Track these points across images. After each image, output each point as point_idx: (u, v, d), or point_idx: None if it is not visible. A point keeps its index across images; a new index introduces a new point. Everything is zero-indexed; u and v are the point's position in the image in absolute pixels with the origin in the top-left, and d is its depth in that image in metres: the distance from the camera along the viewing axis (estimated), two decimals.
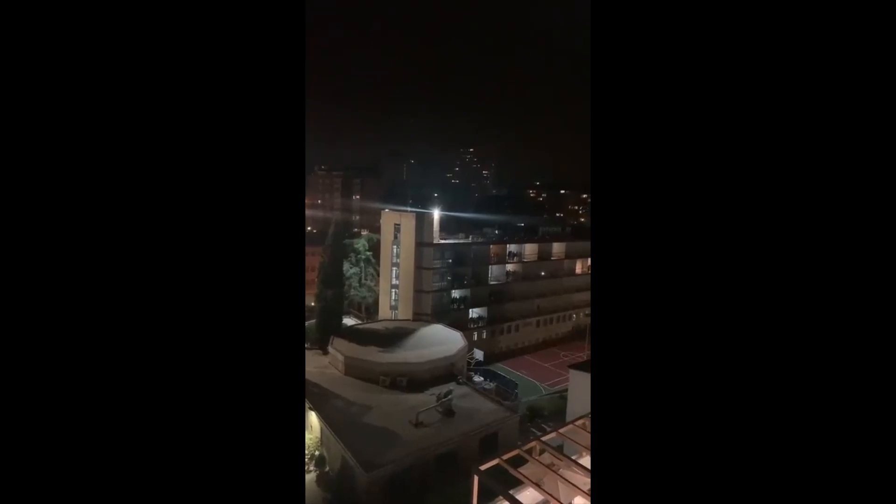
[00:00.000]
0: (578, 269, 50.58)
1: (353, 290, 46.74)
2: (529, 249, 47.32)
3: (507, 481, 11.49)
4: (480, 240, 45.00)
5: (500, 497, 11.04)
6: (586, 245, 50.18)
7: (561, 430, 13.56)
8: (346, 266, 42.49)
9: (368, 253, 47.73)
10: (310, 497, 19.61)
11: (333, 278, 35.71)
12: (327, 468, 21.54)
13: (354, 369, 27.44)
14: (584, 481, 10.87)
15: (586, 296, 48.92)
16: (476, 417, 23.36)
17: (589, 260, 50.55)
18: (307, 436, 22.91)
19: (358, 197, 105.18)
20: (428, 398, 24.38)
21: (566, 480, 10.99)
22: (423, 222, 39.29)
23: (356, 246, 47.77)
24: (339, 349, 28.71)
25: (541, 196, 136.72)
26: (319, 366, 28.55)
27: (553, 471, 11.45)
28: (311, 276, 35.41)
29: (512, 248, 46.35)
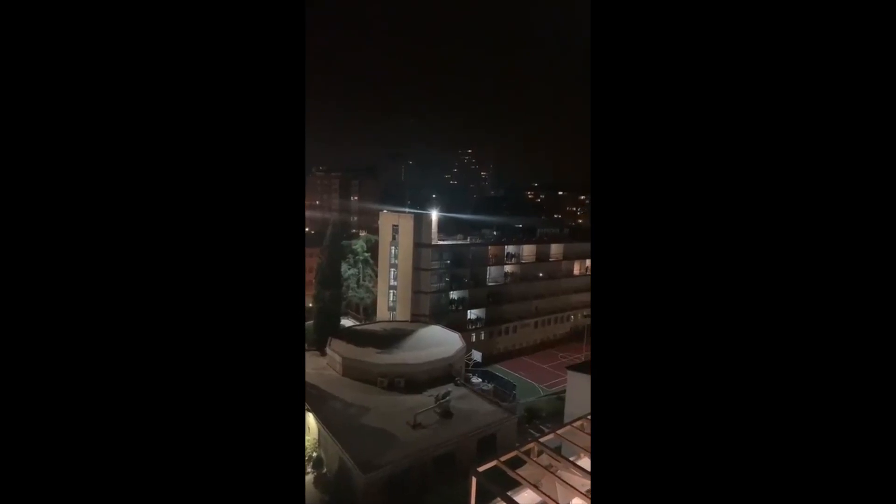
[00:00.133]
0: (576, 271, 50.62)
1: (350, 291, 46.69)
2: (527, 251, 47.33)
3: (505, 482, 11.48)
4: (479, 241, 44.99)
5: (499, 498, 11.02)
6: (584, 246, 50.28)
7: (559, 432, 13.54)
8: (343, 267, 42.47)
9: (366, 254, 47.69)
10: (308, 499, 19.56)
11: (331, 279, 35.68)
12: (325, 470, 21.49)
13: (352, 370, 27.39)
14: (582, 482, 10.86)
15: (584, 297, 48.99)
16: (474, 419, 23.34)
17: (587, 261, 50.64)
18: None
19: (356, 198, 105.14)
20: (426, 399, 24.35)
21: (564, 482, 10.98)
22: (421, 223, 39.28)
23: (354, 247, 47.74)
24: (337, 350, 28.66)
25: (539, 197, 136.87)
26: (317, 367, 28.49)
27: (551, 472, 11.44)
28: (309, 277, 35.39)
29: (510, 249, 46.36)
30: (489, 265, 44.09)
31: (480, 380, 29.98)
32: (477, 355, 34.77)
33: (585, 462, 12.15)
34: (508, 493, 11.04)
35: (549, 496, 10.66)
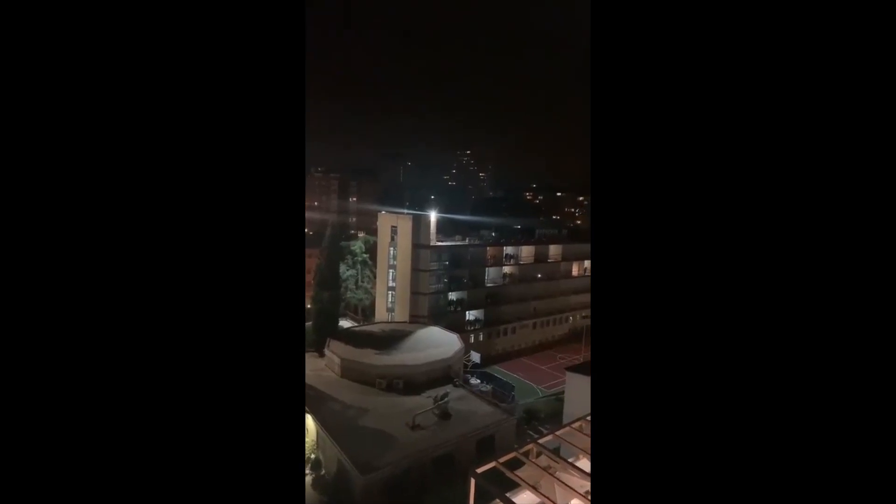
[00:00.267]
0: (575, 272, 50.68)
1: (349, 292, 46.65)
2: (526, 252, 47.38)
3: (503, 484, 11.47)
4: (477, 242, 45.02)
5: (497, 500, 11.01)
6: (583, 247, 50.37)
7: (558, 433, 13.55)
8: (342, 268, 42.43)
9: (365, 255, 47.66)
10: (307, 500, 19.51)
11: (330, 280, 35.64)
12: (323, 471, 21.45)
13: (351, 372, 27.35)
14: (581, 484, 10.86)
15: (583, 298, 49.06)
16: (473, 420, 23.32)
17: (585, 262, 50.71)
18: None
19: (354, 199, 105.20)
20: (424, 401, 24.32)
21: (563, 483, 10.97)
22: (419, 224, 39.30)
23: (353, 248, 47.71)
24: (336, 351, 28.62)
25: (537, 198, 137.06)
26: (315, 368, 28.44)
27: (550, 473, 11.44)
28: (308, 278, 35.35)
29: (509, 250, 46.39)
30: (488, 266, 44.12)
31: (479, 381, 29.97)
32: (475, 356, 34.74)
33: (584, 463, 12.14)
34: (507, 495, 11.03)
35: (547, 497, 10.65)
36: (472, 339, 39.93)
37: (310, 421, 22.92)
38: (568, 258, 49.80)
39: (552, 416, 28.40)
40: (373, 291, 45.42)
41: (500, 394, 28.26)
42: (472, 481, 11.49)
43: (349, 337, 32.32)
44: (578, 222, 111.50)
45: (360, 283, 47.86)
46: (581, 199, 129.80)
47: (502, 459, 12.04)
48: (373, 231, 47.33)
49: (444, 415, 23.18)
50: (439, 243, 40.70)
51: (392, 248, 40.70)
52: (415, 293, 39.16)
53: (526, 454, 12.20)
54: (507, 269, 45.84)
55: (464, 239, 44.54)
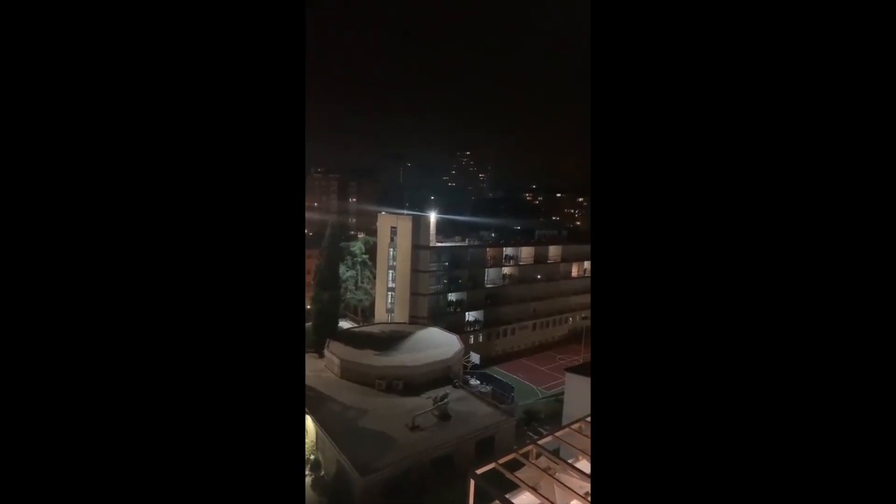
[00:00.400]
0: (574, 273, 50.69)
1: (349, 293, 46.63)
2: (526, 252, 47.39)
3: (503, 485, 11.45)
4: (477, 243, 45.02)
5: (497, 501, 10.99)
6: (582, 248, 50.40)
7: (557, 434, 13.53)
8: (342, 269, 42.40)
9: (365, 256, 47.66)
10: (306, 501, 19.48)
11: (329, 281, 35.63)
12: (323, 472, 21.42)
13: (350, 373, 27.33)
14: (581, 485, 10.85)
15: (582, 299, 49.08)
16: (472, 421, 23.29)
17: (585, 263, 50.72)
18: None
19: (354, 199, 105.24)
20: (424, 402, 24.30)
21: (563, 484, 10.96)
22: (419, 225, 39.30)
23: (352, 249, 47.70)
24: (335, 352, 28.59)
25: (537, 199, 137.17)
26: (315, 369, 28.41)
27: (549, 475, 11.42)
28: (308, 278, 35.33)
29: (508, 251, 46.40)
30: (487, 267, 44.12)
31: (479, 382, 29.96)
32: (475, 357, 34.73)
33: (584, 464, 12.13)
34: (507, 496, 11.01)
35: (547, 498, 10.64)
36: (471, 340, 39.91)
37: (309, 422, 22.90)
38: (567, 259, 49.81)
39: (552, 417, 28.39)
40: (372, 292, 45.41)
41: (500, 395, 28.24)
42: (472, 482, 11.47)
43: (349, 338, 32.30)
44: (578, 223, 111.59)
45: (359, 283, 47.85)
46: (581, 199, 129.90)
47: (502, 460, 12.03)
48: (372, 232, 47.35)
49: (444, 416, 23.16)
50: (439, 244, 40.69)
51: (392, 249, 40.70)
52: (414, 294, 39.15)
53: (525, 455, 12.19)
54: (506, 270, 45.84)
55: (463, 240, 44.55)
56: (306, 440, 22.64)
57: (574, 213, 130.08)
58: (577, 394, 22.95)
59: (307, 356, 30.13)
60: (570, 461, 12.14)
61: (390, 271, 40.90)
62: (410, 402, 24.57)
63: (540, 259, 47.95)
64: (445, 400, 23.93)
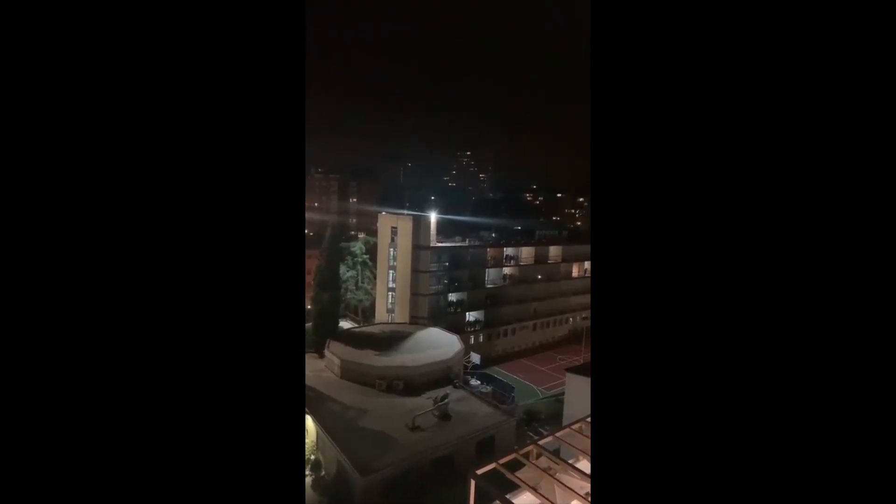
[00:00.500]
0: (575, 273, 50.67)
1: (349, 293, 46.63)
2: (526, 253, 47.38)
3: (503, 485, 11.44)
4: (477, 243, 45.01)
5: (497, 501, 10.99)
6: (583, 248, 50.37)
7: (558, 434, 13.53)
8: (342, 269, 42.41)
9: (365, 256, 47.66)
10: (306, 501, 19.47)
11: (330, 281, 35.63)
12: (323, 472, 21.42)
13: (350, 373, 27.32)
14: (581, 485, 10.84)
15: (583, 299, 49.05)
16: (473, 421, 23.28)
17: (585, 263, 50.70)
18: None
19: (355, 200, 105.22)
20: (424, 402, 24.29)
21: (563, 484, 10.96)
22: (419, 225, 39.29)
23: (353, 249, 47.70)
24: (336, 352, 28.59)
25: (537, 199, 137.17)
26: (315, 369, 28.41)
27: (550, 475, 11.42)
28: (308, 279, 35.33)
29: (509, 251, 46.39)
30: (488, 267, 44.11)
31: (479, 382, 29.93)
32: (475, 357, 34.71)
33: (584, 465, 12.12)
34: (507, 496, 11.01)
35: (547, 499, 10.63)
36: (472, 341, 39.90)
37: (310, 422, 22.90)
38: (568, 259, 49.79)
39: (552, 417, 28.38)
40: (373, 292, 45.41)
41: (500, 395, 28.21)
42: (472, 483, 11.47)
43: (349, 338, 32.30)
44: (578, 223, 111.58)
45: (360, 284, 47.85)
46: (581, 200, 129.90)
47: (502, 461, 12.02)
48: (373, 232, 47.34)
49: (444, 416, 23.16)
50: (439, 244, 40.69)
51: (392, 249, 40.70)
52: (415, 294, 39.15)
53: (526, 455, 12.18)
54: (507, 271, 45.83)
55: (464, 240, 44.54)
56: (307, 440, 22.64)
57: (574, 214, 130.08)
58: (578, 394, 22.94)
59: (307, 356, 30.13)
60: (570, 461, 12.13)
61: (391, 271, 40.90)
62: (411, 402, 24.56)
63: (540, 259, 47.94)
64: (446, 400, 23.92)
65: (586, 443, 12.60)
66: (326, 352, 29.33)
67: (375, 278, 44.63)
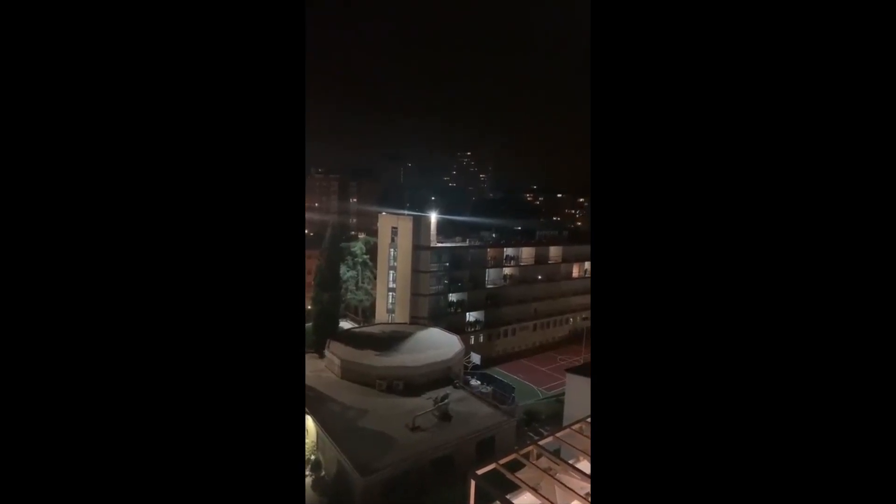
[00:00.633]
0: (575, 273, 50.66)
1: (349, 293, 46.64)
2: (526, 253, 47.38)
3: (504, 486, 11.44)
4: (477, 243, 45.01)
5: (497, 501, 10.99)
6: (583, 248, 50.35)
7: (558, 435, 13.53)
8: (342, 269, 42.41)
9: (365, 256, 47.66)
10: (306, 501, 19.47)
11: (330, 281, 35.64)
12: (323, 472, 21.42)
13: (351, 373, 27.32)
14: (582, 485, 10.83)
15: (583, 299, 49.03)
16: (473, 421, 23.28)
17: (586, 264, 50.68)
18: None
19: (355, 200, 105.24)
20: (425, 402, 24.29)
21: (563, 485, 10.95)
22: (420, 225, 39.29)
23: (353, 249, 47.71)
24: (336, 353, 28.60)
25: (538, 200, 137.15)
26: (315, 369, 28.41)
27: (550, 475, 11.42)
28: (308, 279, 35.34)
29: (509, 251, 46.39)
30: (488, 267, 44.12)
31: (479, 382, 29.91)
32: (476, 358, 34.69)
33: (584, 465, 12.11)
34: (507, 497, 11.01)
35: (547, 499, 10.63)
36: (472, 341, 39.89)
37: (310, 422, 22.90)
38: (568, 259, 49.78)
39: (552, 417, 28.38)
40: (373, 292, 45.41)
41: (501, 395, 28.20)
42: (472, 483, 11.47)
43: (349, 338, 32.30)
44: (579, 223, 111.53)
45: (360, 284, 47.86)
46: (581, 200, 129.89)
47: (502, 461, 12.02)
48: (373, 232, 47.34)
49: (445, 416, 23.15)
50: (439, 244, 40.69)
51: (392, 250, 40.70)
52: (415, 294, 39.14)
53: (526, 456, 12.18)
54: (507, 271, 45.83)
55: (464, 240, 44.54)
56: (307, 440, 22.64)
57: (575, 214, 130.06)
58: (578, 394, 22.93)
59: (308, 356, 30.13)
60: (570, 462, 12.12)
61: (391, 272, 40.90)
62: (411, 402, 24.56)
63: (540, 259, 47.93)
64: (446, 400, 23.92)
65: (586, 443, 12.60)
66: (326, 352, 29.33)
67: (375, 278, 44.63)
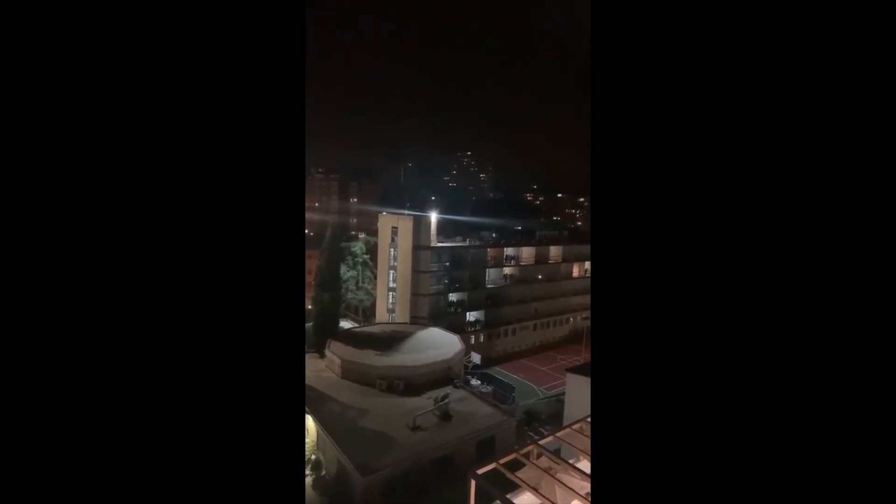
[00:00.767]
0: (575, 273, 50.66)
1: (349, 293, 46.65)
2: (526, 253, 47.37)
3: (504, 485, 11.44)
4: (478, 243, 45.00)
5: (497, 501, 10.99)
6: (583, 248, 50.34)
7: (558, 434, 13.53)
8: (342, 269, 42.43)
9: (365, 256, 47.67)
10: (307, 501, 19.48)
11: (330, 281, 35.66)
12: (323, 472, 21.43)
13: (351, 373, 27.33)
14: (582, 485, 10.84)
15: (583, 299, 49.02)
16: (473, 421, 23.28)
17: (586, 263, 50.67)
18: None
19: (355, 200, 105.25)
20: (425, 402, 24.29)
21: (563, 484, 10.95)
22: (420, 225, 39.30)
23: (353, 249, 47.71)
24: (336, 352, 28.60)
25: (538, 199, 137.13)
26: (316, 369, 28.42)
27: (550, 475, 11.42)
28: (308, 279, 35.37)
29: (509, 251, 46.38)
30: (488, 267, 44.11)
31: (479, 382, 29.91)
32: (476, 357, 34.70)
33: (585, 465, 12.11)
34: (507, 496, 11.01)
35: (548, 499, 10.63)
36: (472, 341, 39.90)
37: (310, 422, 22.91)
38: (568, 259, 49.77)
39: (553, 417, 28.38)
40: (373, 292, 45.42)
41: (501, 395, 28.20)
42: (473, 482, 11.47)
43: (349, 338, 32.30)
44: (579, 223, 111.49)
45: (360, 284, 47.87)
46: (581, 200, 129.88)
47: (502, 461, 12.02)
48: (373, 232, 47.33)
49: (445, 416, 23.16)
50: (440, 244, 40.70)
51: (392, 249, 40.71)
52: (415, 294, 39.15)
53: (526, 455, 12.18)
54: (507, 271, 45.83)
55: (464, 240, 44.53)
56: (307, 440, 22.65)
57: (575, 214, 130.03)
58: (578, 394, 22.93)
59: (308, 356, 30.13)
60: (570, 461, 12.13)
61: (391, 271, 40.90)
62: (411, 402, 24.56)
63: (541, 259, 47.92)
64: (446, 400, 23.92)
65: (586, 443, 12.60)
66: (327, 352, 29.34)
67: (376, 278, 44.64)
